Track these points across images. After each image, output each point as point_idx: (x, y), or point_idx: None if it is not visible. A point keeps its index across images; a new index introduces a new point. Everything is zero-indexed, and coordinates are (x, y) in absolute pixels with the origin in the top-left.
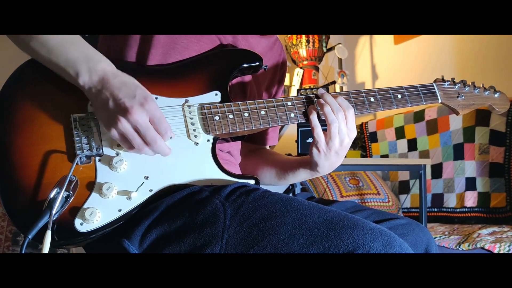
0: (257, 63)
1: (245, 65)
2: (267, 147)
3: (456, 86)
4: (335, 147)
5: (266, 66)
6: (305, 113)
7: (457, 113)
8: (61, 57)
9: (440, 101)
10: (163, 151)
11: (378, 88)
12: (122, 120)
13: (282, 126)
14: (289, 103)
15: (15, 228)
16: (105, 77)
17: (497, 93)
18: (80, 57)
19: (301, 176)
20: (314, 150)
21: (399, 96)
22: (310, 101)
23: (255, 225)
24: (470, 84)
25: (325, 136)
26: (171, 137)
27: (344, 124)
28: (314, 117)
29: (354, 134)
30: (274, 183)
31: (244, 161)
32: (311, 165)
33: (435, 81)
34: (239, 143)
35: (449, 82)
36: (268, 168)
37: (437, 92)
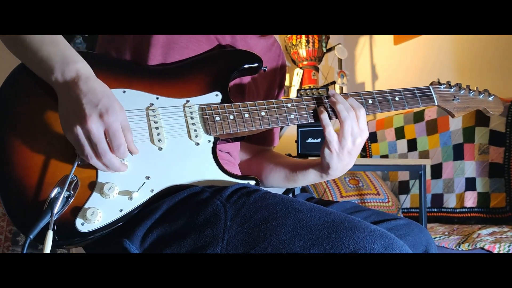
0: (257, 64)
1: (245, 66)
2: (272, 148)
3: (452, 89)
4: (348, 147)
5: (265, 67)
6: (314, 113)
7: (453, 116)
8: (38, 53)
9: (436, 104)
10: (113, 166)
11: (376, 91)
12: (76, 127)
13: (282, 127)
14: (289, 105)
15: (15, 228)
16: (76, 80)
17: (491, 97)
18: (56, 55)
19: (311, 178)
20: (326, 150)
21: (397, 98)
22: (310, 102)
23: (256, 226)
24: (465, 87)
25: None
26: (132, 153)
27: (356, 123)
28: (325, 116)
29: (366, 134)
30: (282, 186)
31: (249, 162)
32: (323, 166)
33: (431, 84)
34: (238, 144)
35: (445, 85)
36: (277, 169)
37: (433, 95)
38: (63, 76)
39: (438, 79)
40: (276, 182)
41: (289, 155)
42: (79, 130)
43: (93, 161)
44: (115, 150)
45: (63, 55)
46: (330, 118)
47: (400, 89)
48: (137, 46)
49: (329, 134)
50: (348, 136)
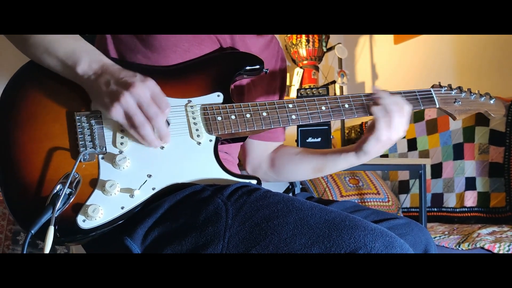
0: (258, 66)
1: (247, 68)
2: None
3: (453, 92)
4: (392, 139)
5: (267, 69)
6: (363, 108)
7: (454, 118)
8: (60, 49)
9: (437, 106)
10: (164, 131)
11: (371, 93)
12: (125, 94)
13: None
14: (290, 105)
15: (15, 227)
16: (104, 66)
17: (493, 100)
18: (79, 49)
19: (342, 165)
20: (373, 139)
21: None
22: (311, 103)
23: (257, 225)
24: (466, 90)
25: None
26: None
27: (401, 119)
28: (377, 109)
29: (404, 132)
30: (310, 176)
31: (272, 158)
32: (359, 152)
33: (432, 86)
34: (238, 144)
35: (446, 88)
36: (305, 161)
37: (434, 97)
38: (90, 67)
39: (439, 82)
40: (304, 174)
41: None
42: (128, 97)
43: (145, 129)
44: (163, 110)
45: (85, 49)
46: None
47: (401, 91)
48: (139, 49)
49: (382, 125)
50: (395, 129)
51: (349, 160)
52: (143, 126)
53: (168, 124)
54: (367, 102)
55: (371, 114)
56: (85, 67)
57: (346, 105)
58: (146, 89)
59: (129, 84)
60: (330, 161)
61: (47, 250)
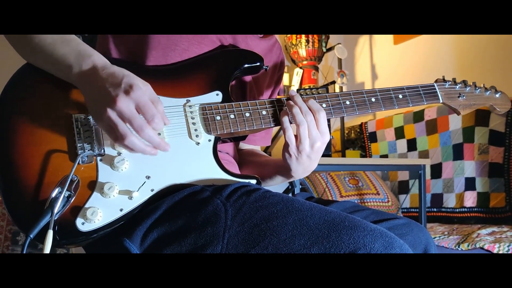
0: (258, 64)
1: (246, 66)
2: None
3: (457, 86)
4: (306, 151)
5: (267, 66)
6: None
7: (458, 113)
8: (54, 54)
9: (441, 101)
10: (154, 140)
11: (380, 88)
12: (108, 111)
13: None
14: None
15: (14, 227)
16: (93, 71)
17: (498, 93)
18: (71, 52)
19: (278, 180)
20: (286, 154)
21: (400, 96)
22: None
23: (256, 226)
24: (471, 84)
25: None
26: (165, 124)
27: (314, 127)
28: (285, 119)
29: (327, 138)
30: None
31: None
32: (285, 169)
33: (436, 81)
34: (237, 144)
35: (450, 82)
36: (248, 167)
37: (438, 92)
38: (81, 71)
39: (443, 76)
40: None
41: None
42: (110, 113)
43: (129, 140)
44: (150, 121)
45: (77, 52)
46: (290, 122)
47: (403, 86)
48: (138, 48)
49: (288, 138)
50: (305, 140)
51: (285, 178)
52: (126, 138)
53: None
54: (283, 109)
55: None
56: (77, 71)
57: (347, 102)
58: (129, 101)
59: (111, 98)
60: (268, 177)
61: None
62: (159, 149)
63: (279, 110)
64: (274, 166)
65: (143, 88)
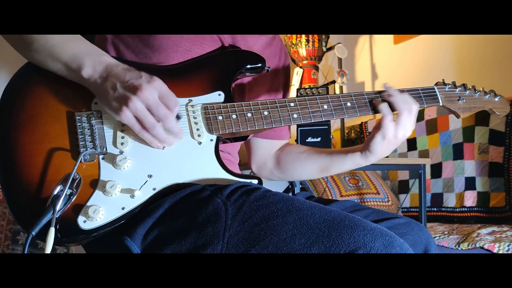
0: (260, 64)
1: (248, 66)
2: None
3: (457, 90)
4: (398, 137)
5: (269, 67)
6: (370, 105)
7: (458, 116)
8: (63, 53)
9: (441, 104)
10: (175, 129)
11: (380, 91)
12: (133, 99)
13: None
14: (292, 104)
15: (15, 227)
16: (108, 68)
17: (497, 97)
18: (82, 51)
19: (347, 165)
20: (379, 137)
21: None
22: (313, 102)
23: (257, 225)
24: (471, 87)
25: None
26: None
27: (409, 117)
28: (385, 106)
29: (413, 128)
30: (315, 176)
31: (276, 157)
32: (366, 152)
33: (436, 84)
34: (238, 144)
35: (450, 86)
36: (311, 160)
37: (438, 95)
38: (95, 70)
39: (443, 80)
40: (309, 173)
41: None
42: (136, 102)
43: (157, 130)
44: (173, 108)
45: (88, 51)
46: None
47: (404, 89)
48: (140, 49)
49: (387, 124)
50: (403, 127)
51: (355, 160)
52: (154, 128)
53: (179, 118)
54: (375, 99)
55: (377, 112)
56: (90, 71)
57: (349, 104)
58: (153, 90)
59: (136, 87)
60: (336, 161)
61: (48, 251)
62: (178, 138)
63: (281, 110)
64: (344, 152)
65: (161, 81)
